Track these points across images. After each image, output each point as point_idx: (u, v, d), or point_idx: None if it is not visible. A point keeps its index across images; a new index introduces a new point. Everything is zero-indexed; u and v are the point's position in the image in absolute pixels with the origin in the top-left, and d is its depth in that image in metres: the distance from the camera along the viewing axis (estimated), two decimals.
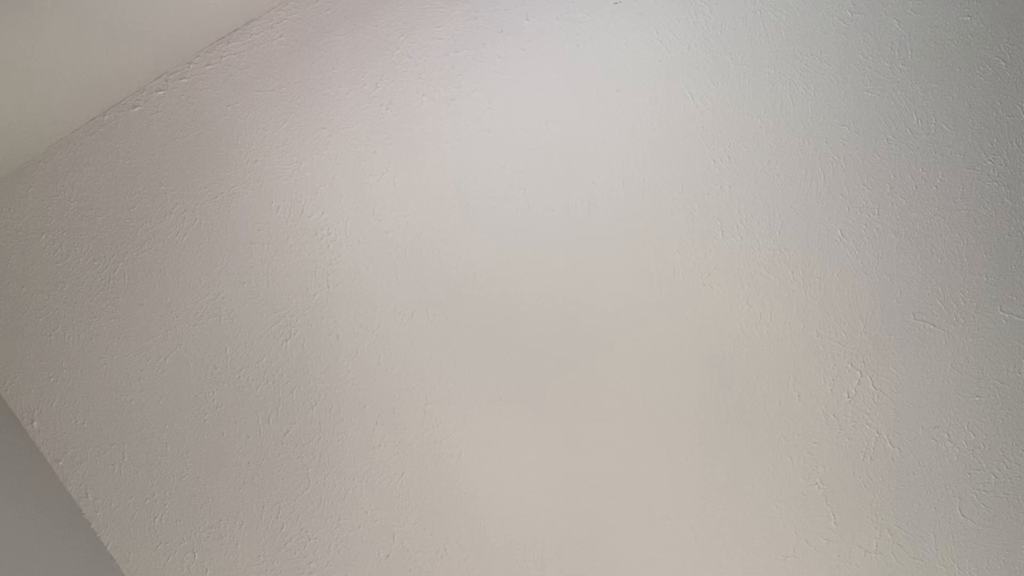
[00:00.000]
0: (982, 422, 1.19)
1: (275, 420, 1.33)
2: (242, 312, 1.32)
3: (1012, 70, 1.12)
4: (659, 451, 1.28)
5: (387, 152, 1.28)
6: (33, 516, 1.29)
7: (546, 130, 1.24)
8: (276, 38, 1.26)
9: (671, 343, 1.25)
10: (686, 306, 1.25)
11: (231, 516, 1.35)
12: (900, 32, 1.15)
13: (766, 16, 1.18)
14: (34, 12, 0.98)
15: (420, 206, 1.28)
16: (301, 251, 1.30)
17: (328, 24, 1.25)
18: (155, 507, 1.36)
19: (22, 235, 1.32)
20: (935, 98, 1.15)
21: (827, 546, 1.25)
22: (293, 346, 1.31)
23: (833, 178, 1.19)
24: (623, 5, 1.20)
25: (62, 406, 1.35)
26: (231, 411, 1.34)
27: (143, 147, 1.29)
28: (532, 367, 1.28)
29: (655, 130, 1.22)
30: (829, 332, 1.21)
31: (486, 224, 1.27)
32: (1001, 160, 1.14)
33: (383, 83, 1.26)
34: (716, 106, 1.20)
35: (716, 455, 1.27)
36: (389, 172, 1.28)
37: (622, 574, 1.28)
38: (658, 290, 1.25)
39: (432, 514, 1.31)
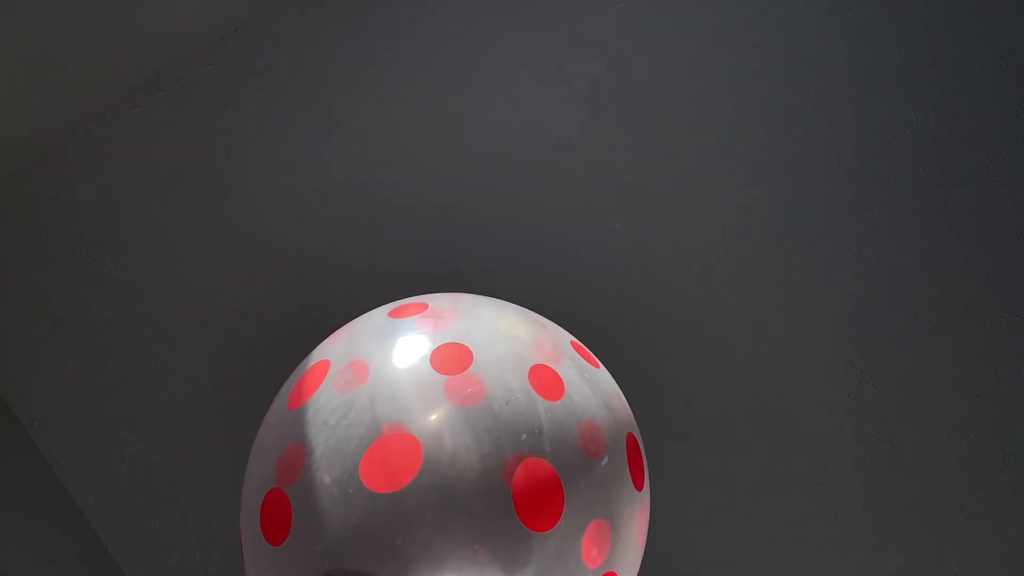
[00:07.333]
0: (982, 422, 1.19)
1: None
2: (242, 312, 1.32)
3: (1012, 70, 1.12)
4: (658, 451, 1.28)
5: (388, 151, 1.28)
6: (33, 516, 1.30)
7: (546, 129, 1.24)
8: (276, 38, 1.26)
9: (669, 343, 1.25)
10: (685, 306, 1.25)
11: (231, 516, 1.35)
12: (900, 32, 1.15)
13: (765, 15, 1.18)
14: (33, 12, 0.98)
15: (421, 206, 1.28)
16: (301, 251, 1.30)
17: (328, 24, 1.25)
18: (155, 507, 1.36)
19: (22, 235, 1.32)
20: (935, 98, 1.15)
21: (827, 546, 1.25)
22: (293, 346, 1.31)
23: (833, 178, 1.19)
24: (623, 5, 1.20)
25: (62, 406, 1.35)
26: (231, 411, 1.34)
27: (143, 147, 1.29)
28: None
29: (654, 130, 1.22)
30: (829, 332, 1.21)
31: (487, 224, 1.27)
32: (1001, 160, 1.14)
33: (384, 82, 1.26)
34: (715, 105, 1.20)
35: (715, 455, 1.27)
36: (390, 172, 1.28)
37: None
38: (657, 290, 1.25)
39: None
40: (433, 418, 0.62)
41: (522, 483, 0.61)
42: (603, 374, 0.79)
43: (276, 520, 0.64)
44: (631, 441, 0.74)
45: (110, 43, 1.13)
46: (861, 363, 1.21)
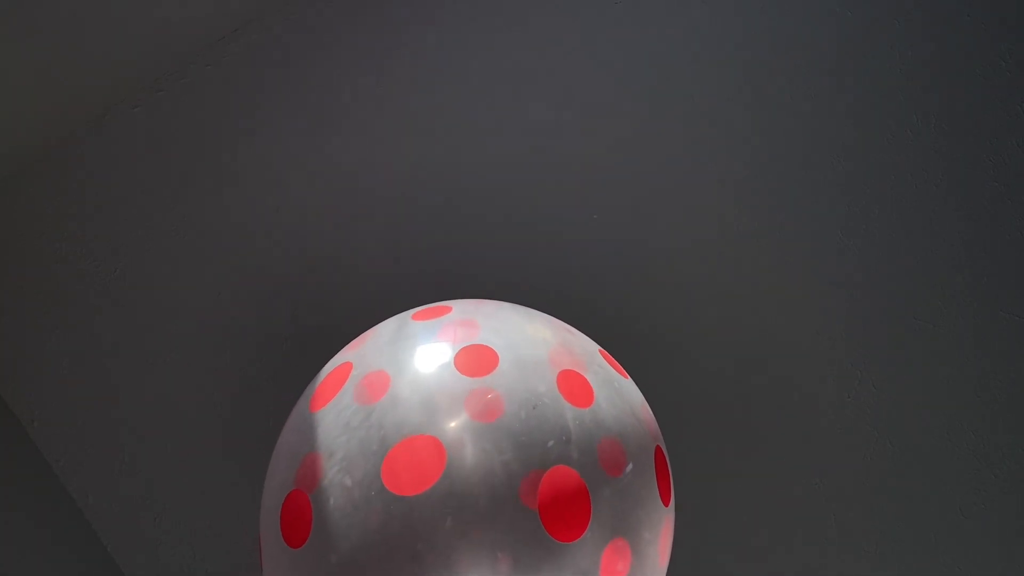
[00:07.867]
0: (982, 422, 1.19)
1: (275, 421, 1.33)
2: (242, 312, 1.32)
3: (1012, 70, 1.12)
4: None
5: (389, 151, 1.28)
6: (33, 516, 1.29)
7: (546, 129, 1.24)
8: (276, 38, 1.26)
9: (670, 343, 1.25)
10: (685, 306, 1.25)
11: (232, 516, 1.35)
12: (900, 31, 1.15)
13: (764, 15, 1.18)
14: (33, 12, 0.98)
15: (422, 206, 1.28)
16: (302, 251, 1.30)
17: (328, 24, 1.25)
18: (155, 507, 1.36)
19: (22, 235, 1.32)
20: (935, 98, 1.15)
21: (827, 546, 1.25)
22: (293, 346, 1.31)
23: (833, 178, 1.19)
24: (623, 4, 1.20)
25: (62, 406, 1.35)
26: (231, 411, 1.34)
27: (143, 147, 1.29)
28: None
29: (653, 129, 1.22)
30: (829, 332, 1.21)
31: (487, 221, 1.27)
32: (1001, 160, 1.14)
33: (384, 82, 1.26)
34: (714, 105, 1.20)
35: (715, 455, 1.27)
36: (391, 172, 1.28)
37: None
38: (657, 289, 1.25)
39: None
40: (456, 421, 0.60)
41: (548, 491, 0.59)
42: (630, 384, 0.77)
43: (296, 522, 0.63)
44: (659, 454, 0.72)
45: (110, 43, 1.13)
46: (861, 363, 1.21)
